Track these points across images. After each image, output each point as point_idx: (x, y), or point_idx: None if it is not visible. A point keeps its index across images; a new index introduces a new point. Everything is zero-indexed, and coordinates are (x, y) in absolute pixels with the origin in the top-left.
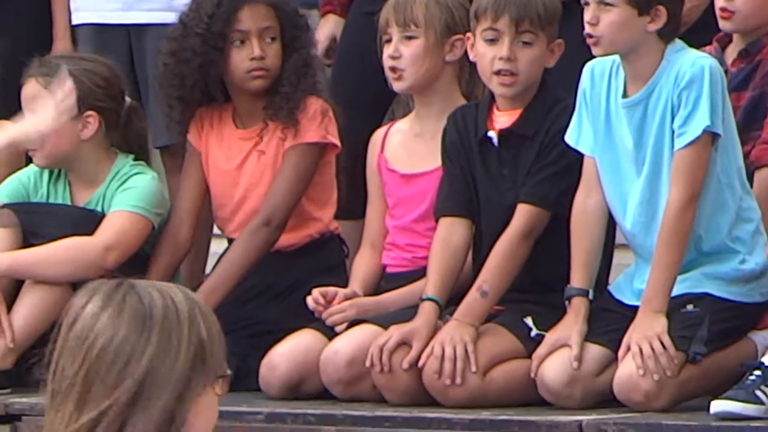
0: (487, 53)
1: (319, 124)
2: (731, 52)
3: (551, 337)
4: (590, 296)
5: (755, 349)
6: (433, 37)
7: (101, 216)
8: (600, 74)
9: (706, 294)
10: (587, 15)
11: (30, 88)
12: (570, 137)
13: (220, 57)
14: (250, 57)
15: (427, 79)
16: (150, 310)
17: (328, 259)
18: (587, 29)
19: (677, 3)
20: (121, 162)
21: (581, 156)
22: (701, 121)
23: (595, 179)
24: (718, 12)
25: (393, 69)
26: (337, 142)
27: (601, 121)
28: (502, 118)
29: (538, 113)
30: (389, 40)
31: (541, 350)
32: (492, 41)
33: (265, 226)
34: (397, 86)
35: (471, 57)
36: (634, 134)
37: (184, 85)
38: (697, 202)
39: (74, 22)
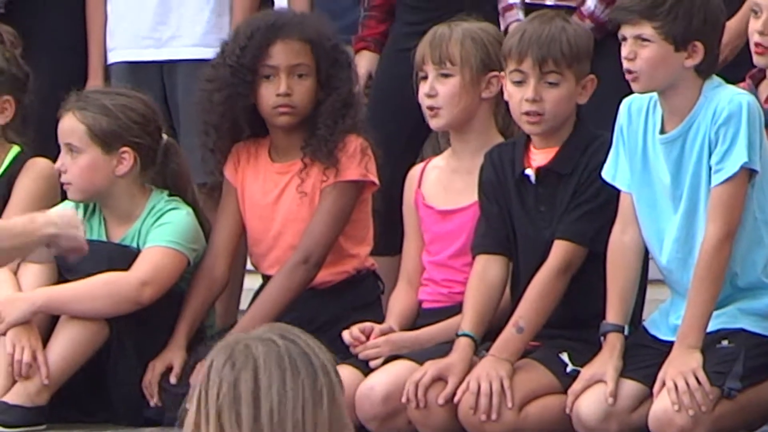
0: (515, 94)
1: (358, 162)
2: (764, 89)
3: (587, 372)
4: (625, 332)
5: None
6: (469, 75)
7: (136, 252)
8: (637, 110)
9: (741, 329)
10: (624, 50)
11: (67, 121)
12: (607, 173)
13: (250, 90)
14: (276, 93)
15: (464, 117)
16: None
17: (364, 296)
18: (625, 65)
19: (714, 39)
20: (156, 197)
21: (618, 192)
22: (739, 157)
23: (632, 215)
24: (753, 47)
25: (430, 107)
26: (376, 180)
27: (638, 157)
28: (539, 156)
29: (574, 150)
30: (425, 77)
31: (577, 386)
32: (519, 83)
33: (303, 264)
34: (433, 124)
35: (505, 96)
36: (671, 170)
37: (214, 112)
38: (734, 239)
39: (109, 61)
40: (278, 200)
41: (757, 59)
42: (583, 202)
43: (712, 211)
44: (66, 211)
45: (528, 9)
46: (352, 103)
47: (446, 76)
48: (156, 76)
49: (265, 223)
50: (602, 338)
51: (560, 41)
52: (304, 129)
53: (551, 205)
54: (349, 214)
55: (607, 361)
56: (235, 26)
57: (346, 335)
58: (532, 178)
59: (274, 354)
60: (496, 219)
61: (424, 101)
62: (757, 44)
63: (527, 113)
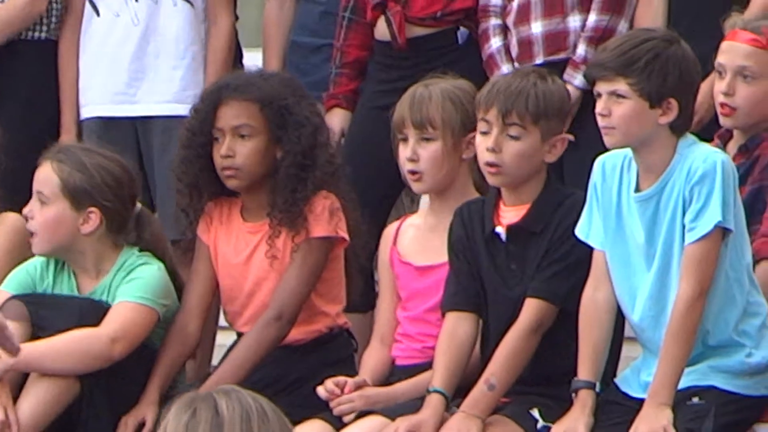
0: (480, 144)
1: (328, 219)
2: (732, 148)
3: (558, 428)
4: (597, 389)
5: None
6: (450, 139)
7: (107, 307)
8: (612, 168)
9: (712, 387)
10: (599, 106)
11: (43, 171)
12: (580, 231)
13: (204, 152)
14: (219, 154)
15: (447, 181)
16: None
17: (336, 353)
18: (600, 121)
19: (689, 96)
20: (127, 253)
21: (590, 251)
22: (713, 216)
23: (605, 273)
24: (718, 108)
25: (412, 171)
26: (346, 236)
27: (612, 215)
28: (509, 214)
29: (545, 209)
30: (404, 139)
31: None
32: (484, 133)
33: (276, 321)
34: (416, 188)
35: (473, 150)
36: (646, 228)
37: (177, 172)
38: (706, 297)
39: (82, 116)
40: (250, 259)
41: (723, 120)
42: (556, 260)
43: (685, 270)
44: None
45: None
46: (313, 163)
47: (428, 140)
48: (130, 132)
49: (238, 282)
50: (573, 395)
51: (527, 95)
52: (269, 189)
53: (522, 263)
54: (321, 270)
55: (578, 418)
56: (207, 84)
57: (320, 390)
58: (503, 236)
59: (238, 407)
60: (466, 276)
61: (406, 165)
62: (722, 105)
63: (487, 163)
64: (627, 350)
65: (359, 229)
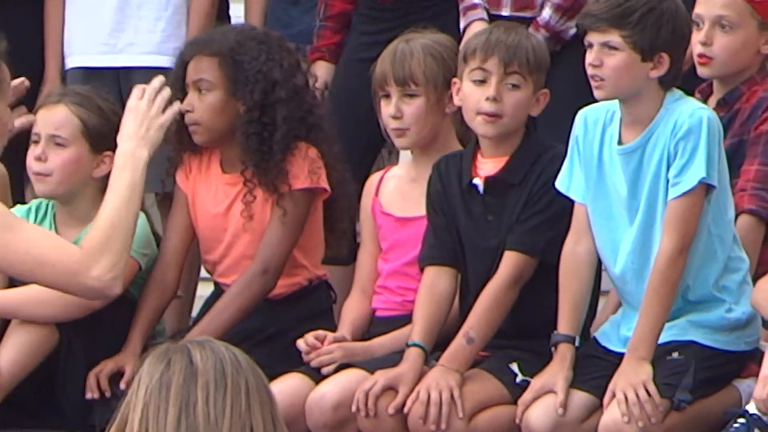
0: (474, 93)
1: (308, 171)
2: (711, 103)
3: (537, 383)
4: (576, 343)
5: (739, 397)
6: (433, 94)
7: None
8: (594, 122)
9: (692, 342)
10: (590, 56)
11: (59, 113)
12: (561, 184)
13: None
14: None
15: (431, 135)
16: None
17: (316, 306)
18: (590, 71)
19: (680, 51)
20: None
21: (570, 204)
22: (697, 172)
23: (585, 226)
24: (695, 58)
25: (396, 128)
26: (327, 187)
27: (593, 168)
28: (487, 165)
29: (524, 161)
30: (387, 96)
31: (527, 396)
32: (480, 82)
33: (262, 275)
34: (400, 143)
35: (456, 101)
36: (629, 181)
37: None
38: (688, 252)
39: (66, 66)
40: (229, 210)
41: (700, 70)
42: (535, 213)
43: (668, 224)
44: (131, 114)
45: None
46: (272, 120)
47: (411, 96)
48: (113, 82)
49: (217, 233)
50: (553, 349)
51: (526, 47)
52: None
53: (499, 215)
54: (304, 222)
55: (557, 372)
56: (189, 37)
57: (301, 343)
58: (480, 188)
59: (212, 357)
60: (444, 230)
61: (390, 123)
62: (699, 55)
63: (486, 113)
64: (604, 304)
65: (346, 183)
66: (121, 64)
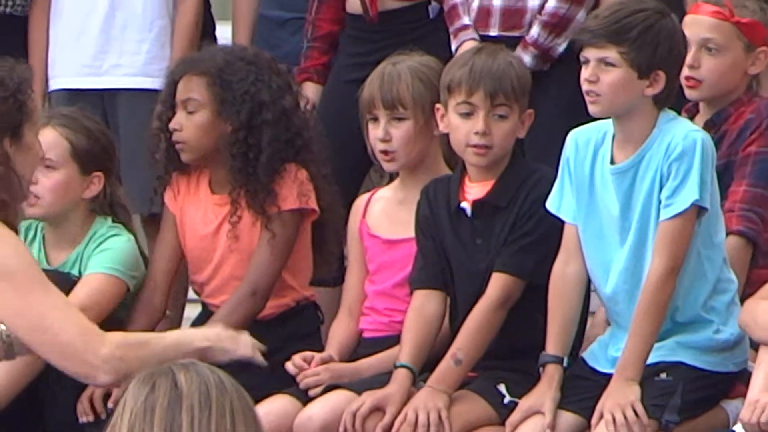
0: (461, 126)
1: (297, 192)
2: (698, 123)
3: (525, 403)
4: (565, 364)
5: (727, 418)
6: (421, 117)
7: (76, 279)
8: (585, 142)
9: (680, 363)
10: (586, 72)
11: (47, 135)
12: (551, 204)
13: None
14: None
15: (419, 158)
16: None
17: (303, 327)
18: (586, 87)
19: (675, 70)
20: (99, 223)
21: (558, 225)
22: (690, 194)
23: (576, 247)
24: (683, 80)
25: (384, 151)
26: (316, 208)
27: (585, 189)
28: (475, 189)
29: (511, 184)
30: (375, 119)
31: (515, 417)
32: (467, 115)
33: (251, 297)
34: (388, 167)
35: (441, 128)
36: (621, 201)
37: (149, 142)
38: (679, 274)
39: (50, 88)
40: (218, 231)
41: (688, 93)
42: (523, 234)
43: (659, 245)
44: (224, 330)
45: None
46: (258, 142)
47: (399, 119)
48: (97, 104)
49: (205, 253)
50: (541, 369)
51: (510, 75)
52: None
53: (488, 238)
54: (293, 243)
55: (545, 392)
56: (173, 59)
57: (289, 366)
58: (468, 211)
59: (196, 379)
60: (432, 254)
61: (378, 145)
62: (687, 78)
63: (475, 146)
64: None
65: (335, 204)
66: (106, 86)
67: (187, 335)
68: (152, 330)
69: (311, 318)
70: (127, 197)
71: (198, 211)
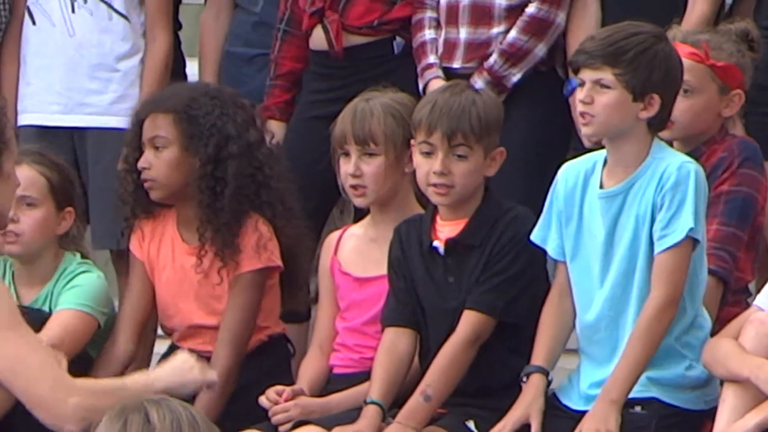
0: (423, 165)
1: (258, 251)
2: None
3: (512, 414)
4: (550, 377)
5: None
6: (393, 154)
7: (47, 315)
8: (575, 174)
9: (654, 399)
10: (581, 94)
11: (24, 172)
12: (536, 236)
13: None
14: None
15: (390, 195)
16: None
17: (274, 360)
18: (581, 108)
19: (670, 94)
20: (68, 260)
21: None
22: (685, 224)
23: (568, 287)
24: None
25: (354, 186)
26: (280, 264)
27: (574, 217)
28: (447, 228)
29: (484, 222)
30: (346, 154)
31: (506, 429)
32: (427, 154)
33: (237, 366)
34: (359, 202)
35: (414, 164)
36: (607, 226)
37: (120, 185)
38: (678, 305)
39: (19, 123)
40: (186, 280)
41: (662, 133)
42: (495, 273)
43: (656, 278)
44: (176, 360)
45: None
46: (224, 175)
47: (370, 155)
48: (67, 141)
49: (175, 300)
50: (524, 379)
51: (470, 114)
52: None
53: (459, 277)
54: (260, 299)
55: (532, 402)
56: (141, 98)
57: (263, 401)
58: (441, 250)
59: (168, 415)
60: (404, 294)
61: (348, 180)
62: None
63: (435, 185)
64: (563, 362)
65: (302, 238)
66: (72, 124)
67: (152, 378)
68: (121, 373)
69: (282, 351)
70: (95, 235)
71: (166, 257)
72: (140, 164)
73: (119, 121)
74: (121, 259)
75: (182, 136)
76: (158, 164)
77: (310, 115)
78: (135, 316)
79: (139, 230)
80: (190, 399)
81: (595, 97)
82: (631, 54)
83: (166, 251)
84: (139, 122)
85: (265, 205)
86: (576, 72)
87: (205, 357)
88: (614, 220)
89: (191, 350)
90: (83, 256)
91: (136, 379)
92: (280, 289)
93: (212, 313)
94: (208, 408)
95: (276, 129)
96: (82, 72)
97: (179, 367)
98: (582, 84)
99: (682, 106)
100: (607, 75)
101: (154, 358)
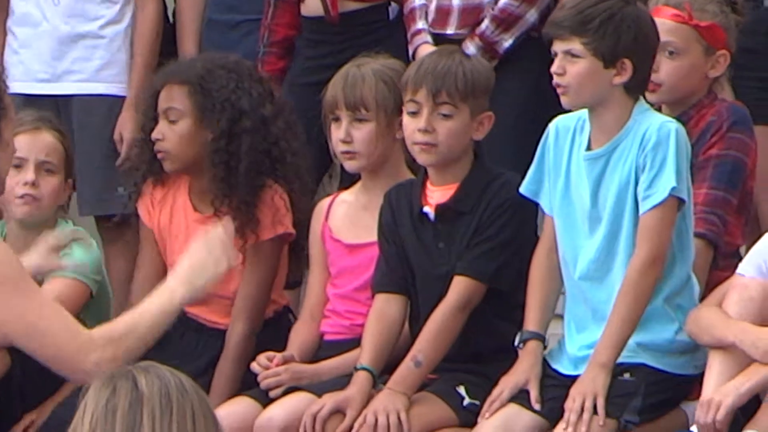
0: (409, 125)
1: (273, 219)
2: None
3: (508, 380)
4: (545, 342)
5: (686, 420)
6: (384, 119)
7: (40, 283)
8: (565, 130)
9: (642, 364)
10: (554, 66)
11: (47, 138)
12: (525, 189)
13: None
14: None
15: (381, 160)
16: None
17: (281, 334)
18: (555, 79)
19: (644, 57)
20: (62, 227)
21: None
22: (667, 183)
23: (554, 239)
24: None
25: (345, 152)
26: (292, 231)
27: (561, 176)
28: (437, 194)
29: (474, 188)
30: (337, 120)
31: (503, 395)
32: (413, 113)
33: (251, 335)
34: (349, 166)
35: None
36: (591, 188)
37: (136, 154)
38: (663, 263)
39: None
40: None
41: (649, 96)
42: (484, 239)
43: (641, 237)
44: (192, 258)
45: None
46: (237, 150)
47: (361, 121)
48: (52, 110)
49: None
50: (521, 346)
51: (456, 74)
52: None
53: (449, 242)
54: (276, 269)
55: (528, 368)
56: (136, 68)
57: (254, 366)
58: (431, 216)
59: (157, 382)
60: (394, 260)
61: (339, 146)
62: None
63: (419, 143)
64: (553, 328)
65: (307, 215)
66: (60, 92)
67: (163, 299)
68: None
69: (287, 324)
70: (81, 201)
71: (180, 229)
72: (154, 135)
73: (106, 87)
74: (108, 226)
75: (195, 109)
76: (171, 136)
77: (303, 82)
78: (151, 284)
79: (148, 199)
80: (210, 366)
81: (567, 67)
82: (597, 21)
83: (179, 219)
84: (155, 92)
85: (281, 180)
86: (549, 44)
87: (210, 329)
88: (597, 182)
89: (197, 322)
90: (75, 224)
91: (149, 309)
92: (288, 260)
93: (223, 282)
94: (227, 377)
95: None
96: (67, 40)
97: (188, 274)
98: (555, 55)
99: (667, 68)
100: (575, 45)
101: None
